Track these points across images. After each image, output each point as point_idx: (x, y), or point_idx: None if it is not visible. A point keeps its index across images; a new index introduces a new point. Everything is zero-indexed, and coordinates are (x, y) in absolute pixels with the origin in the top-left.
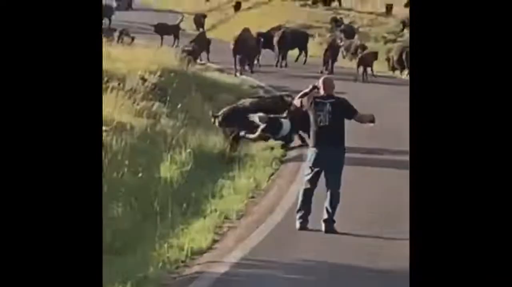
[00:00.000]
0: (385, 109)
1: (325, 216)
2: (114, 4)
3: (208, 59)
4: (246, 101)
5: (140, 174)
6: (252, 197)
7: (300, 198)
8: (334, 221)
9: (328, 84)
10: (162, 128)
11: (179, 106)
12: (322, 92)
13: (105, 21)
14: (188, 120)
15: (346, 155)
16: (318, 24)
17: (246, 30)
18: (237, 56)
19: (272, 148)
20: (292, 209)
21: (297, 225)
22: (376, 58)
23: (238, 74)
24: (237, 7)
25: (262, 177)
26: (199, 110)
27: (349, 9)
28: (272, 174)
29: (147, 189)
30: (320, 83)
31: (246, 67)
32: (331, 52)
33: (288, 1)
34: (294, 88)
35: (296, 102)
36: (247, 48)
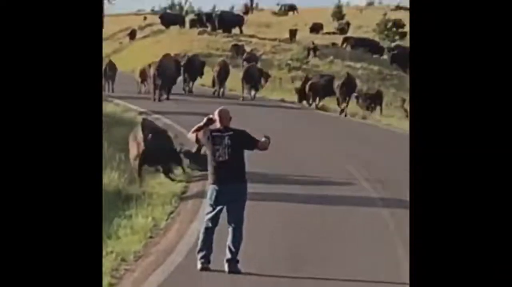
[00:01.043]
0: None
1: (228, 255)
2: None
3: (112, 89)
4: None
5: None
6: (151, 237)
7: (201, 237)
8: (237, 261)
9: (224, 116)
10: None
11: None
12: (218, 124)
13: None
14: None
15: (249, 188)
16: (218, 52)
17: (166, 56)
18: (157, 83)
19: (170, 185)
20: (193, 249)
21: (199, 265)
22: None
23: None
24: (132, 35)
25: (161, 215)
26: None
27: (251, 36)
28: (172, 212)
29: None
30: (216, 115)
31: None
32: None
33: (185, 29)
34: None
35: (191, 136)
36: (167, 74)
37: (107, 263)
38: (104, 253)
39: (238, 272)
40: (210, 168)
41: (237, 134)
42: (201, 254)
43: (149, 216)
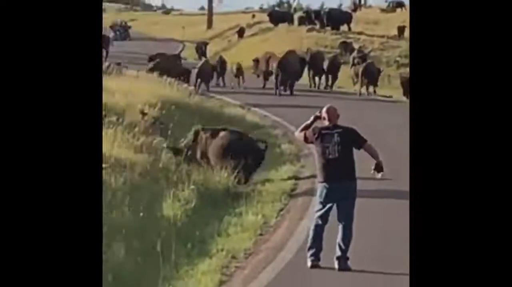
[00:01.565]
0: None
1: (338, 253)
2: (111, 34)
3: (224, 83)
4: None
5: (141, 213)
6: (261, 234)
7: (311, 235)
8: (347, 258)
9: (332, 113)
10: (164, 164)
11: (181, 140)
12: (327, 122)
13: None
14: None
15: (358, 187)
16: (327, 49)
17: (290, 52)
18: (279, 77)
19: (280, 182)
20: (303, 247)
21: (309, 263)
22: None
23: (278, 94)
24: (241, 33)
25: (271, 213)
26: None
27: (359, 33)
28: (282, 209)
29: (149, 229)
30: (323, 112)
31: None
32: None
33: (294, 27)
34: None
35: (299, 135)
36: (290, 69)
37: (218, 260)
38: (214, 250)
39: (348, 269)
40: (319, 165)
41: (346, 132)
42: (311, 251)
43: (259, 213)
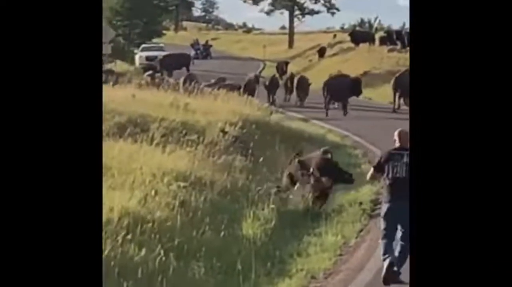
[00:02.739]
0: None
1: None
2: (192, 53)
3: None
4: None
5: (222, 232)
6: (340, 254)
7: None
8: (399, 273)
9: (403, 137)
10: (244, 183)
11: (261, 159)
12: (397, 144)
13: (184, 70)
14: (271, 174)
15: None
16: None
17: (341, 74)
18: (327, 96)
19: (360, 203)
20: (382, 268)
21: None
22: None
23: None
24: (322, 53)
25: (351, 233)
26: (284, 163)
27: None
28: (361, 230)
29: (229, 248)
30: (396, 135)
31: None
32: None
33: (375, 47)
34: None
35: (373, 176)
36: (338, 89)
37: (298, 280)
38: (294, 270)
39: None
40: (386, 186)
41: None
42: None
43: (339, 233)
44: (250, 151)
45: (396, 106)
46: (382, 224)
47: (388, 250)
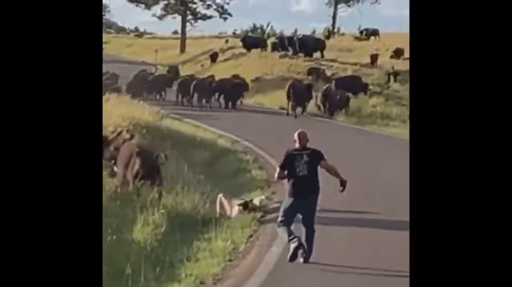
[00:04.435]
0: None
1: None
2: None
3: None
4: None
5: (110, 237)
6: (230, 260)
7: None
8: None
9: (303, 137)
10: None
11: None
12: (297, 145)
13: None
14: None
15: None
16: (299, 76)
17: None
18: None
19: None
20: (272, 273)
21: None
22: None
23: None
24: (214, 58)
25: (240, 238)
26: (174, 167)
27: (332, 60)
28: (251, 235)
29: (119, 252)
30: (295, 136)
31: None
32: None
33: (266, 53)
34: None
35: (280, 176)
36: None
37: (187, 285)
38: (183, 275)
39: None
40: (290, 183)
41: (313, 152)
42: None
43: (229, 239)
44: None
45: (291, 113)
46: (280, 216)
47: (291, 233)
